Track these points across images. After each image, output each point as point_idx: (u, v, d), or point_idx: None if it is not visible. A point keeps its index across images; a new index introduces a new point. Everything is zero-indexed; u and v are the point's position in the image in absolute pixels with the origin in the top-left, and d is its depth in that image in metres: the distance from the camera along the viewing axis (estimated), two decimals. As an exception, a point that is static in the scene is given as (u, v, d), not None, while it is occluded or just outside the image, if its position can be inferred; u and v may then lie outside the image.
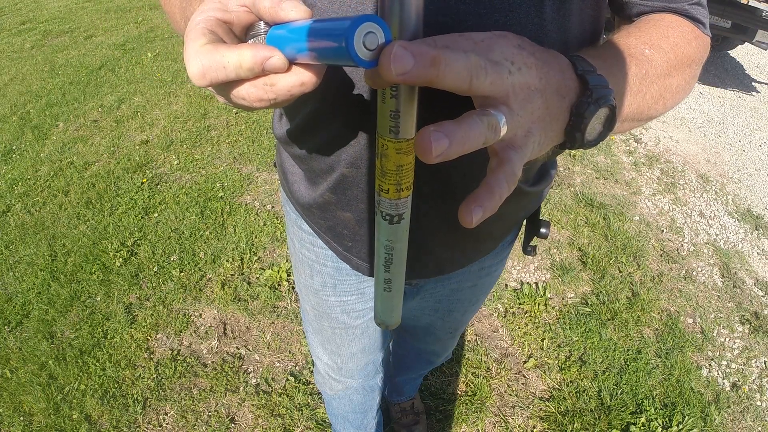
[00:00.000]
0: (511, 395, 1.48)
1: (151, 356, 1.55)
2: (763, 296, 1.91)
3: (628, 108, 0.39)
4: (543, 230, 0.61)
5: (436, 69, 0.24)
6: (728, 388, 1.55)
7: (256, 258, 1.89)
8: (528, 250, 0.65)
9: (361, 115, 0.43)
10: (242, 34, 0.30)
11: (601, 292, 1.82)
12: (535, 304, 1.75)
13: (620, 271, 1.93)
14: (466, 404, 1.44)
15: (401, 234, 0.36)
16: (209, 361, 1.54)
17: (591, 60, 0.34)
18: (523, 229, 0.70)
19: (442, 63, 0.24)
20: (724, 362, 1.63)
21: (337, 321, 0.74)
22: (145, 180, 2.31)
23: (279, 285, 1.78)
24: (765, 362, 1.65)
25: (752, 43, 3.76)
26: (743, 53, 4.66)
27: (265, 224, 2.05)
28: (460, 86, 0.25)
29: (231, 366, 1.52)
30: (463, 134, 0.24)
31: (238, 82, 0.28)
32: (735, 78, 4.13)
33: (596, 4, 0.43)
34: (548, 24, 0.38)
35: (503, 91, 0.27)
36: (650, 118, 0.43)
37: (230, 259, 1.87)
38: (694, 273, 1.98)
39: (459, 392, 1.48)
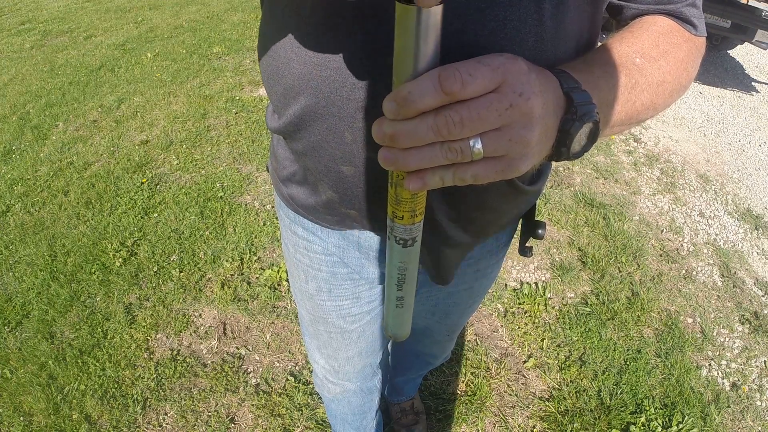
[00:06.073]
0: (510, 395, 1.48)
1: (151, 356, 1.55)
2: (762, 296, 1.91)
3: (616, 116, 0.40)
4: (539, 231, 0.61)
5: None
6: (728, 388, 1.55)
7: (255, 258, 1.88)
8: (524, 251, 0.65)
9: (356, 110, 0.42)
10: None
11: (600, 291, 1.82)
12: (534, 303, 1.74)
13: (620, 271, 1.93)
14: (466, 404, 1.44)
15: (413, 256, 0.37)
16: (209, 361, 1.54)
17: (577, 74, 0.35)
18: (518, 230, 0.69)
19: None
20: (723, 362, 1.63)
21: (333, 325, 0.74)
22: (144, 180, 2.31)
23: (279, 285, 1.78)
24: (765, 362, 1.65)
25: (752, 43, 3.76)
26: (743, 53, 4.66)
27: (264, 224, 2.05)
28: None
29: (231, 366, 1.52)
30: (414, 161, 0.29)
31: None
32: (735, 78, 4.13)
33: (594, 1, 0.43)
34: (547, 20, 0.39)
35: (498, 125, 0.29)
36: (641, 122, 0.44)
37: (230, 259, 1.87)
38: (694, 273, 1.98)
39: (459, 392, 1.48)
